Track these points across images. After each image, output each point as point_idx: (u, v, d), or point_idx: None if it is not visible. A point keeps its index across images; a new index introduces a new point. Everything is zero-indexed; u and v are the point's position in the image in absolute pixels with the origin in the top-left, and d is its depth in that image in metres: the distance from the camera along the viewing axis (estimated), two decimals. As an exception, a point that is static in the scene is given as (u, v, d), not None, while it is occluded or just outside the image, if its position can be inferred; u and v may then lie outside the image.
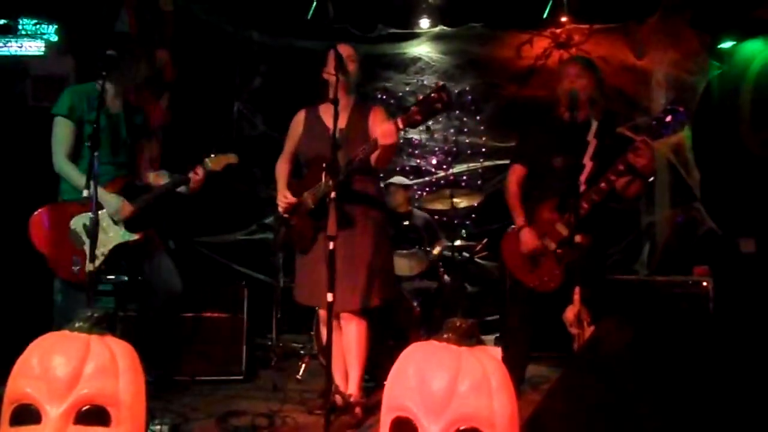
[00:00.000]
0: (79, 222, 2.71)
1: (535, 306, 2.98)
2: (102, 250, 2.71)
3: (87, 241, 2.60)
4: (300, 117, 3.03)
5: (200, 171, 2.87)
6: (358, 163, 2.71)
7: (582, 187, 2.82)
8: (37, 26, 3.92)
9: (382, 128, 2.60)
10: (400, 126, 2.56)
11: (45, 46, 3.95)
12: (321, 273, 2.67)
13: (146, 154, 3.06)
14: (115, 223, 2.78)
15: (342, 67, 2.67)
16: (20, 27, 3.92)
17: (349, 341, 2.87)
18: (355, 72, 2.91)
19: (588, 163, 2.88)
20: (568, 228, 2.84)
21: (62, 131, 2.76)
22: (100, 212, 2.63)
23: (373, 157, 2.75)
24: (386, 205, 3.15)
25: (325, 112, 2.92)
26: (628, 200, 2.94)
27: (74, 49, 3.95)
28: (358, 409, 2.82)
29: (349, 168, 2.71)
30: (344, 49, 2.81)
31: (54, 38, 3.96)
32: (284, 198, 2.92)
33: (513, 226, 3.04)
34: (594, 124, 2.92)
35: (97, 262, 2.59)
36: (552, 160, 2.93)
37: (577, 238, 2.74)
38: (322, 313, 2.97)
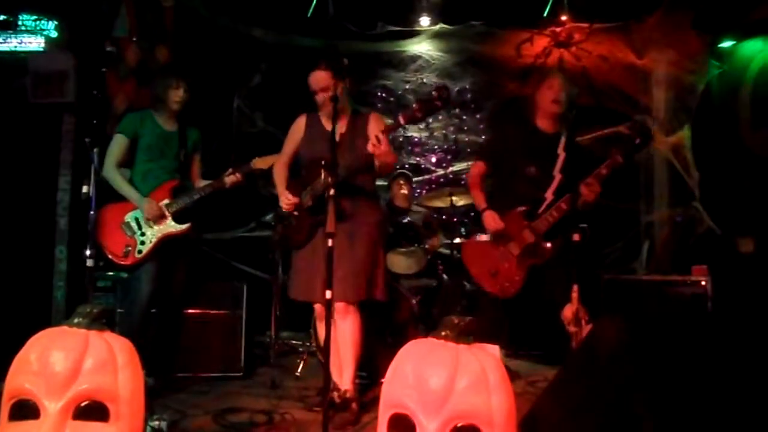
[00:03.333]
0: (132, 216, 3.18)
1: (500, 310, 3.16)
2: (151, 238, 3.14)
3: (137, 232, 3.14)
4: (301, 121, 3.10)
5: (237, 174, 3.26)
6: (356, 170, 2.81)
7: (550, 198, 3.04)
8: (37, 22, 3.91)
9: (382, 149, 2.67)
10: (402, 122, 2.66)
11: (45, 42, 3.93)
12: (317, 269, 2.75)
13: (199, 166, 3.47)
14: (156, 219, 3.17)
15: (339, 72, 2.76)
16: (20, 23, 3.91)
17: (344, 336, 2.88)
18: (341, 94, 2.91)
19: (557, 175, 3.08)
20: (534, 235, 3.04)
21: (115, 145, 3.22)
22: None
23: (377, 166, 2.84)
24: (383, 207, 3.20)
25: (325, 118, 3.00)
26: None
27: (74, 45, 3.94)
28: (354, 405, 2.83)
29: (347, 173, 2.78)
30: (316, 80, 2.90)
31: (54, 34, 3.95)
32: (287, 199, 2.99)
33: (473, 237, 3.30)
34: (563, 138, 3.10)
35: (145, 250, 3.11)
36: (525, 169, 3.11)
37: (546, 245, 3.01)
38: (318, 308, 2.98)
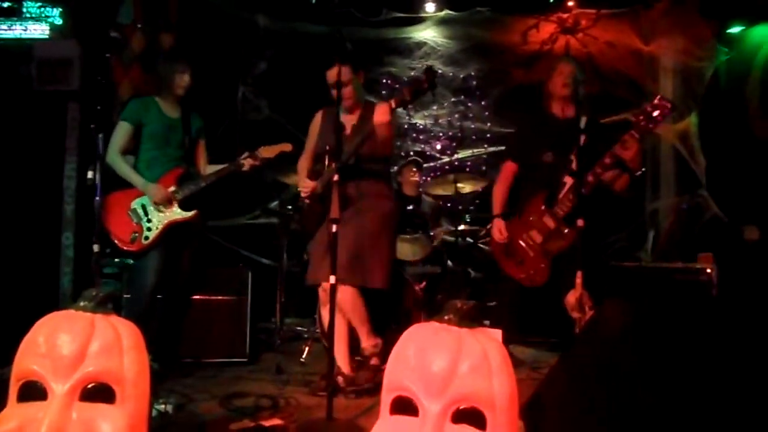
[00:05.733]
0: (138, 203, 3.18)
1: (521, 298, 3.15)
2: (157, 224, 3.15)
3: (144, 219, 3.15)
4: (318, 117, 3.19)
5: (247, 162, 3.24)
6: (362, 145, 2.82)
7: (569, 181, 2.95)
8: (42, 9, 3.90)
9: (377, 107, 2.77)
10: (393, 106, 2.73)
11: (49, 30, 3.94)
12: (325, 254, 2.79)
13: (204, 153, 3.46)
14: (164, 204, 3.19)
15: (343, 54, 2.82)
16: (24, 10, 3.90)
17: (345, 307, 2.91)
18: (355, 89, 3.03)
19: (574, 159, 2.95)
20: (554, 220, 3.00)
21: (119, 131, 3.22)
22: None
23: (376, 140, 2.83)
24: (395, 197, 3.23)
25: (343, 114, 3.03)
26: (618, 194, 3.04)
27: (79, 32, 3.94)
28: (374, 360, 2.88)
29: (355, 150, 2.82)
30: (332, 75, 2.89)
31: (58, 21, 3.95)
32: (305, 186, 3.06)
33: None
34: (583, 120, 2.99)
35: (152, 237, 3.13)
36: (542, 156, 3.09)
37: (565, 230, 2.94)
38: (322, 294, 3.00)
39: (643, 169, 3.06)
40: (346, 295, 2.89)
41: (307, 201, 3.03)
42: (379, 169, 3.05)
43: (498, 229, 3.19)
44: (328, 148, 2.81)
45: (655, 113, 2.74)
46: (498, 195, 3.31)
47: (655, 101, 2.76)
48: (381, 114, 2.72)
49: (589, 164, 2.87)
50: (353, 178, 2.94)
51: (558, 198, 3.02)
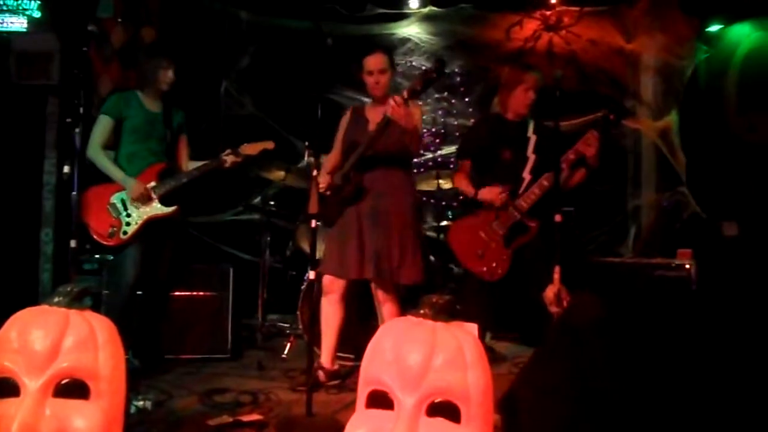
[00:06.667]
0: (118, 197, 3.16)
1: (487, 293, 3.20)
2: (136, 219, 3.14)
3: (123, 213, 3.14)
4: (347, 114, 3.23)
5: (229, 159, 3.24)
6: (377, 139, 2.88)
7: (528, 177, 3.15)
8: (20, 2, 3.85)
9: (388, 100, 2.83)
10: (405, 96, 2.78)
11: (28, 23, 3.88)
12: (348, 247, 2.91)
13: (186, 148, 3.44)
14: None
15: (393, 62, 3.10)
16: (2, 2, 3.85)
17: (383, 319, 2.96)
18: (388, 80, 3.08)
19: (531, 156, 3.20)
20: (518, 213, 3.13)
21: (99, 126, 3.20)
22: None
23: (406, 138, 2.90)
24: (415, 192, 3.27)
25: (369, 110, 3.11)
26: (568, 190, 3.22)
27: (57, 25, 3.89)
28: None
29: (370, 144, 2.90)
30: (375, 61, 3.00)
31: (37, 14, 3.89)
32: (323, 179, 3.05)
33: (457, 220, 3.39)
34: (531, 123, 3.28)
35: (130, 231, 3.11)
36: (501, 153, 3.23)
37: (530, 224, 3.11)
38: (326, 283, 2.99)
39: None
40: (393, 313, 2.91)
41: (327, 194, 3.04)
42: (403, 163, 3.06)
43: (489, 192, 3.19)
44: (307, 143, 2.85)
45: (611, 116, 3.10)
46: (464, 183, 3.36)
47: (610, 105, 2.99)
48: (393, 107, 2.75)
49: (543, 162, 3.11)
50: (374, 172, 2.98)
51: (520, 192, 3.16)
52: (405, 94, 2.78)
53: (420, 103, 3.10)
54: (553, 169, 2.94)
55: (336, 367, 3.05)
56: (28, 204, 3.95)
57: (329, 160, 3.18)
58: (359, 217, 2.95)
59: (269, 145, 3.29)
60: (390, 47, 3.05)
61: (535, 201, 3.10)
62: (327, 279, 2.99)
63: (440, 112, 5.29)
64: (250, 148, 3.26)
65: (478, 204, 3.27)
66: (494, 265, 3.12)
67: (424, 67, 2.84)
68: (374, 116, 3.01)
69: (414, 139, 2.91)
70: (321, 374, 2.95)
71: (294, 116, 4.77)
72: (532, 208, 3.13)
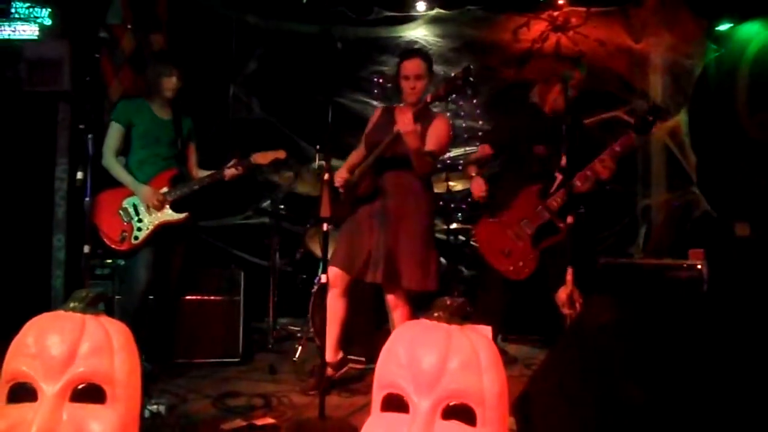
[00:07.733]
0: (130, 202, 3.19)
1: (506, 293, 3.13)
2: (148, 225, 3.16)
3: (135, 218, 3.17)
4: (376, 113, 3.22)
5: (239, 168, 3.23)
6: (391, 145, 2.86)
7: (559, 177, 3.02)
8: (31, 9, 3.89)
9: (398, 114, 2.79)
10: (428, 101, 2.78)
11: (39, 30, 3.92)
12: (360, 246, 2.91)
13: (195, 155, 3.45)
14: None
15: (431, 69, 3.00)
16: (13, 10, 3.89)
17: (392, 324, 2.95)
18: (424, 86, 3.01)
19: (564, 155, 3.02)
20: (549, 213, 3.02)
21: (111, 133, 3.23)
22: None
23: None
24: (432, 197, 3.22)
25: (399, 112, 3.05)
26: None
27: (68, 32, 3.92)
28: None
29: (384, 149, 2.88)
30: (413, 66, 2.94)
31: (48, 22, 3.93)
32: (339, 175, 3.08)
33: (486, 216, 3.23)
34: (568, 119, 3.08)
35: (142, 237, 3.14)
36: (534, 148, 3.11)
37: (561, 224, 2.99)
38: (333, 277, 2.94)
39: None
40: (404, 318, 2.89)
41: (341, 190, 3.05)
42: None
43: (477, 184, 3.17)
44: (318, 147, 2.83)
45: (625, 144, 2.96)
46: (470, 165, 3.30)
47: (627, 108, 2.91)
48: (402, 123, 2.70)
49: (572, 163, 2.97)
50: (392, 173, 2.96)
51: (551, 192, 3.05)
52: (428, 98, 2.75)
53: (448, 114, 3.03)
54: (580, 169, 2.89)
55: (340, 356, 3.02)
56: (40, 210, 3.99)
57: (352, 157, 3.17)
58: (371, 217, 2.94)
59: (281, 154, 3.27)
60: (426, 55, 2.93)
61: (565, 202, 2.98)
62: (333, 272, 2.93)
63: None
64: (261, 158, 3.25)
65: (485, 206, 3.22)
66: (521, 264, 3.03)
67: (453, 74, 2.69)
68: (399, 115, 2.97)
69: (418, 160, 2.81)
70: (329, 370, 2.94)
71: (302, 120, 4.79)
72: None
